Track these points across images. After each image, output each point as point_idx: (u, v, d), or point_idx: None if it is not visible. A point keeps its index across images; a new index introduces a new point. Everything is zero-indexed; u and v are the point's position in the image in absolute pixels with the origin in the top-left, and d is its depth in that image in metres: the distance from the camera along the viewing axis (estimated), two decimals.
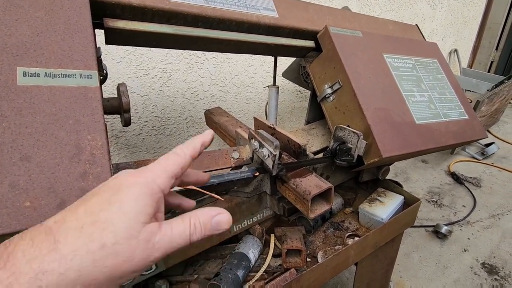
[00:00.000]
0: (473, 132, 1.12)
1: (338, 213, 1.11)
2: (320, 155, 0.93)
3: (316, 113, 1.29)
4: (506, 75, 2.82)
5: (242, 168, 0.70)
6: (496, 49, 4.09)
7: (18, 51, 0.44)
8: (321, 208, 0.77)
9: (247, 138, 0.81)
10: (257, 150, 0.73)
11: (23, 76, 0.44)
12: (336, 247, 0.97)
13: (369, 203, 1.05)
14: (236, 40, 0.82)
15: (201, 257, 0.95)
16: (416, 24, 1.33)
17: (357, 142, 0.83)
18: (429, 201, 2.20)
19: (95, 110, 0.47)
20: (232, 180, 0.65)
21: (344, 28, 1.01)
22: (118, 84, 0.63)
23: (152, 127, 1.40)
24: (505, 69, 4.36)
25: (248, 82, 1.67)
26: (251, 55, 1.62)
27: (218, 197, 0.63)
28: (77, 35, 0.50)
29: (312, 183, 0.75)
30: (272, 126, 0.94)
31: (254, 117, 1.03)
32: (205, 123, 1.34)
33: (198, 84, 1.48)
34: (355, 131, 0.84)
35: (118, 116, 0.79)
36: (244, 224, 0.92)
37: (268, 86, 1.21)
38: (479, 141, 2.84)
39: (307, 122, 1.29)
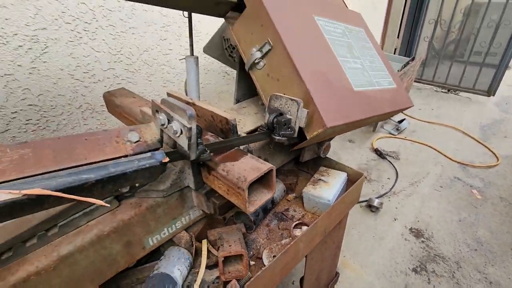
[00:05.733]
0: (402, 100, 1.10)
1: (281, 201, 0.96)
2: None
3: (246, 90, 1.11)
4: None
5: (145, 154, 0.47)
6: (398, 37, 4.61)
7: None
8: (262, 198, 0.59)
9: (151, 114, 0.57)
10: (165, 126, 0.50)
11: None
12: (283, 242, 0.82)
13: (313, 185, 0.92)
14: None
15: None
16: None
17: (297, 110, 0.67)
18: None
19: None
20: (125, 173, 0.41)
21: None
22: None
23: (27, 120, 1.01)
24: (405, 55, 4.96)
25: (163, 60, 1.38)
26: (163, 27, 1.34)
27: (100, 202, 0.39)
28: None
29: (248, 166, 0.56)
30: (191, 101, 0.72)
31: (167, 92, 0.80)
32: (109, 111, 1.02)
33: (92, 60, 1.12)
34: (294, 98, 0.68)
35: None
36: (164, 233, 0.68)
37: (184, 58, 0.98)
38: (393, 118, 3.11)
39: (237, 101, 1.10)
